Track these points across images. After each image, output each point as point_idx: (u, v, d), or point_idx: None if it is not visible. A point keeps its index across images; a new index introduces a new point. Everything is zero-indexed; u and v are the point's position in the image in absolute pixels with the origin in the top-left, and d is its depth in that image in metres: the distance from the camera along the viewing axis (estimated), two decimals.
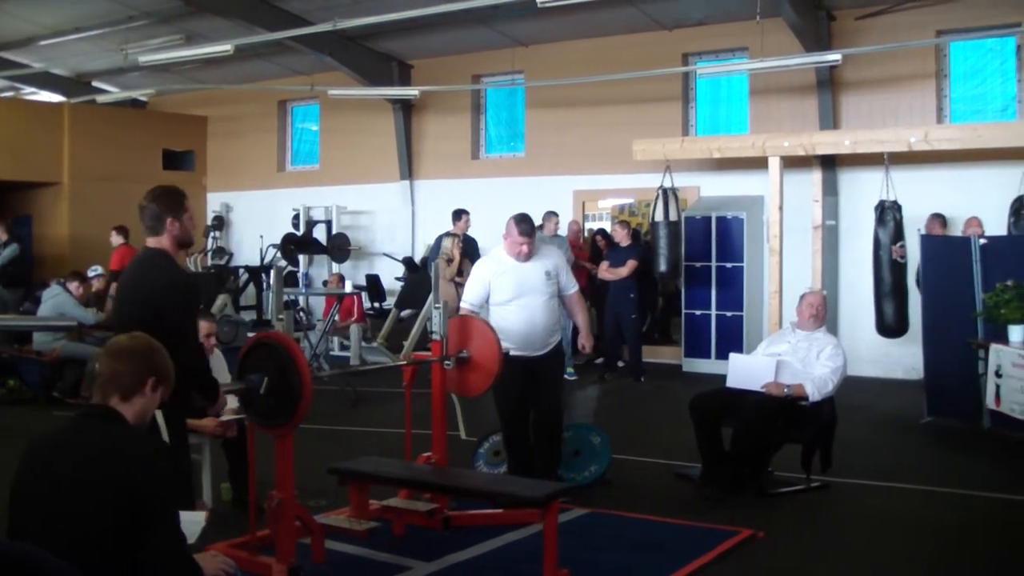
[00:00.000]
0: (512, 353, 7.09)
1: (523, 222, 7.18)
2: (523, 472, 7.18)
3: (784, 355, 7.51)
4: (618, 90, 14.80)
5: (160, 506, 3.25)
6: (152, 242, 5.02)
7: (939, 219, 11.66)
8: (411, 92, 16.28)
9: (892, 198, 11.19)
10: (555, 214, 13.57)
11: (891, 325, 11.37)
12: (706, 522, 6.51)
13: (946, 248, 10.12)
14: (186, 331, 4.84)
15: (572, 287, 7.49)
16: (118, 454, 3.26)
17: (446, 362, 6.41)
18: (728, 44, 14.45)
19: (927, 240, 10.25)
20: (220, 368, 7.08)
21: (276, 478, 5.27)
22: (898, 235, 11.17)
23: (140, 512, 3.19)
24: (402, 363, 6.88)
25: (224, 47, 14.14)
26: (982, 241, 9.64)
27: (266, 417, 5.27)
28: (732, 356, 7.95)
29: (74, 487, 3.22)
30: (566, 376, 12.86)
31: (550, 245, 7.70)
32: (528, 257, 7.21)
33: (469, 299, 7.30)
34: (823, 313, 7.70)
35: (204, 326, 6.88)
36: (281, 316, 5.64)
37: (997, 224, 11.06)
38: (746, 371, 7.56)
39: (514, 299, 7.19)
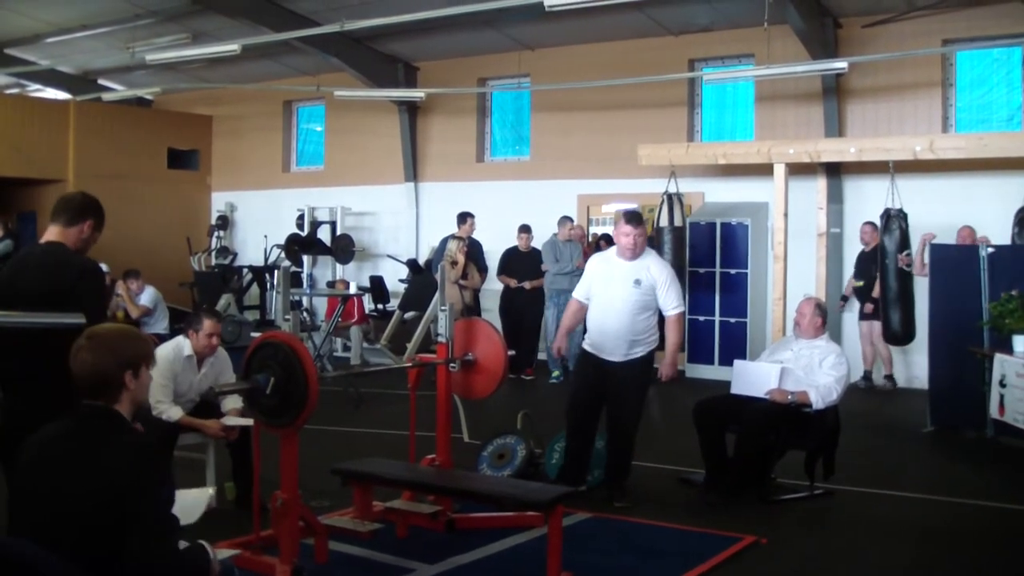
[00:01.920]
0: (585, 347, 7.35)
1: (630, 213, 7.31)
2: (571, 470, 7.29)
3: (787, 363, 7.49)
4: (624, 95, 14.82)
5: (149, 503, 3.23)
6: (55, 233, 4.77)
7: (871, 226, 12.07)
8: (417, 94, 16.29)
9: (898, 206, 11.18)
10: (570, 218, 13.72)
11: (897, 333, 11.36)
12: (709, 528, 6.51)
13: (953, 257, 10.12)
14: (97, 319, 4.44)
15: (671, 308, 7.22)
16: (113, 451, 3.25)
17: (451, 365, 6.42)
18: (734, 50, 14.46)
19: (936, 249, 10.27)
20: (225, 367, 7.09)
21: (280, 478, 5.27)
22: (904, 243, 11.16)
23: (129, 507, 3.18)
24: (407, 365, 6.88)
25: (231, 47, 14.13)
26: (989, 250, 9.65)
27: (271, 417, 5.27)
28: (736, 363, 7.93)
29: (73, 486, 3.21)
30: (552, 380, 12.94)
31: (662, 261, 7.47)
32: (634, 253, 7.19)
33: (577, 291, 7.58)
34: (807, 320, 7.64)
35: (209, 325, 6.89)
36: (288, 316, 5.65)
37: (1002, 234, 11.07)
38: (750, 378, 7.55)
39: (597, 296, 7.33)
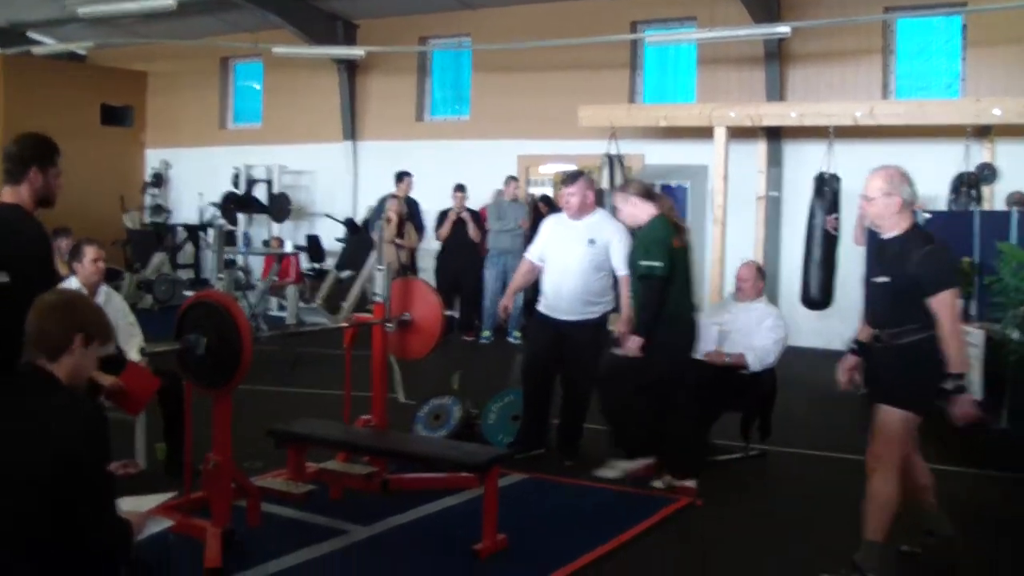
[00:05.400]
0: (540, 309, 7.34)
1: (567, 173, 7.39)
2: (530, 433, 7.31)
3: (725, 325, 7.51)
4: (565, 56, 14.73)
5: (100, 472, 3.15)
6: (8, 194, 4.58)
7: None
8: (356, 52, 16.08)
9: (833, 171, 11.23)
10: (515, 178, 13.68)
11: (815, 297, 11.38)
12: (645, 489, 6.53)
13: None
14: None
15: (623, 269, 7.12)
16: (49, 417, 3.11)
17: (388, 324, 6.35)
18: (677, 13, 14.42)
19: None
20: (119, 305, 6.92)
21: (213, 440, 5.18)
22: (833, 207, 11.19)
23: (72, 477, 3.06)
24: (343, 325, 6.80)
25: (167, 1, 13.86)
26: (926, 216, 9.72)
27: (204, 378, 5.17)
28: None
29: (4, 454, 3.08)
30: (483, 340, 12.93)
31: (615, 221, 7.23)
32: (574, 212, 7.20)
33: (530, 251, 7.57)
34: (750, 285, 7.65)
35: (91, 251, 6.62)
36: (221, 275, 5.55)
37: (938, 200, 11.17)
38: None
39: (551, 258, 7.31)
